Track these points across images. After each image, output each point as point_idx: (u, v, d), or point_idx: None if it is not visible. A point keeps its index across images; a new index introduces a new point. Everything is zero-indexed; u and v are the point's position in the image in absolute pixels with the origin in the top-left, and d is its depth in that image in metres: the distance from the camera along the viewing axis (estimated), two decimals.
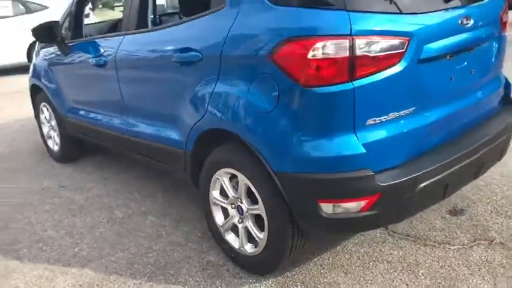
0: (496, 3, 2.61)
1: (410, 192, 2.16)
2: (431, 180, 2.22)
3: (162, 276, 2.66)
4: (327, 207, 2.14)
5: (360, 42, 1.96)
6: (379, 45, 2.00)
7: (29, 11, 9.90)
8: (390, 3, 2.07)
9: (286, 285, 2.50)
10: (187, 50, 2.57)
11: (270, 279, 2.54)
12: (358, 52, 1.97)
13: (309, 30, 2.01)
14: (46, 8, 9.89)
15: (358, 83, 2.00)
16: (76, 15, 3.89)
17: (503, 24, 2.69)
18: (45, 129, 4.75)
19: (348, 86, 1.99)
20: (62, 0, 11.05)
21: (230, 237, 2.67)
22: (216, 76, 2.43)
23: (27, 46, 9.63)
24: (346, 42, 1.95)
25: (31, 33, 3.81)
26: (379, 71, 2.03)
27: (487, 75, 2.62)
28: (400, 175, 2.14)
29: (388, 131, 2.13)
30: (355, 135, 2.07)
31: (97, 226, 3.31)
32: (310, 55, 1.98)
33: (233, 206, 2.60)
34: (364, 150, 2.06)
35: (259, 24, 2.20)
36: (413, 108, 2.19)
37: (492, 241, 2.75)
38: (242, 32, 2.29)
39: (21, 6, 10.00)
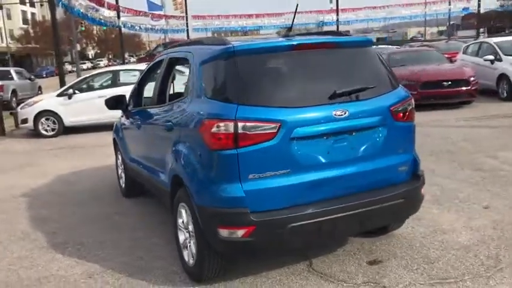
0: (386, 99, 3.48)
1: (281, 229, 3.12)
2: (301, 222, 3.16)
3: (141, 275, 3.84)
4: (222, 232, 3.18)
5: (240, 124, 3.07)
6: (255, 127, 3.08)
7: None
8: (270, 100, 3.18)
9: None
10: (168, 121, 3.91)
11: (202, 285, 3.58)
12: (240, 130, 3.07)
13: (214, 115, 3.18)
14: None
15: (240, 150, 3.09)
16: (138, 89, 5.46)
17: (399, 115, 3.53)
18: (119, 171, 6.36)
19: (234, 151, 3.09)
20: None
21: (185, 253, 3.78)
22: (178, 139, 3.69)
23: None
24: (232, 124, 3.07)
25: (104, 102, 5.44)
26: (256, 144, 3.10)
27: (377, 153, 3.45)
28: (271, 215, 3.13)
29: (266, 184, 3.15)
30: (240, 184, 3.12)
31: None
32: (213, 130, 3.14)
33: (186, 230, 3.72)
34: (244, 195, 3.11)
35: (197, 109, 3.44)
36: (289, 170, 3.18)
37: (378, 283, 3.47)
38: (190, 113, 3.54)
39: None
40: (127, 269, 3.95)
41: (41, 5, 71.81)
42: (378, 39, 63.40)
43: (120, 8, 25.31)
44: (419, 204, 3.76)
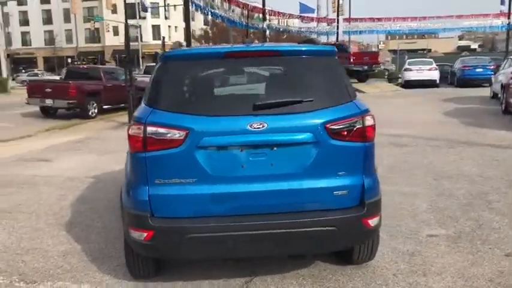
0: (323, 115, 3.14)
1: (179, 238, 3.08)
2: (201, 234, 3.07)
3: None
4: (133, 233, 3.25)
5: (149, 128, 3.10)
6: (162, 132, 3.08)
7: None
8: (183, 106, 3.14)
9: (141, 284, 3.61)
10: None
11: (133, 281, 3.67)
12: (148, 134, 3.10)
13: (135, 118, 3.27)
14: None
15: (148, 154, 3.12)
16: None
17: (340, 133, 3.16)
18: None
19: (143, 155, 3.14)
20: None
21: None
22: None
23: None
24: (142, 127, 3.12)
25: None
26: (163, 149, 3.10)
27: (304, 173, 3.15)
28: (170, 223, 3.10)
29: (170, 190, 3.13)
30: (148, 188, 3.15)
31: None
32: (130, 132, 3.22)
33: None
34: (147, 199, 3.13)
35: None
36: (195, 179, 3.10)
37: None
38: None
39: None
40: None
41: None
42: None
43: (266, 11, 26.28)
44: (362, 236, 3.32)
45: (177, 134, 3.08)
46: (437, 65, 26.64)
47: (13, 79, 38.90)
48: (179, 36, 72.30)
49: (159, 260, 3.58)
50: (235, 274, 3.70)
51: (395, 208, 5.28)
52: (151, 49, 51.78)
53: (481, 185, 6.09)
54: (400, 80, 28.00)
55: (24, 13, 72.84)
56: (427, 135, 10.13)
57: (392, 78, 30.80)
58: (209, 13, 21.62)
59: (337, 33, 33.14)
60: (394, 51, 52.44)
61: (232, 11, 24.19)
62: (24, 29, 73.50)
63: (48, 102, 15.85)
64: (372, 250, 3.68)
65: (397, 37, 77.28)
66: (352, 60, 25.02)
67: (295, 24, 38.44)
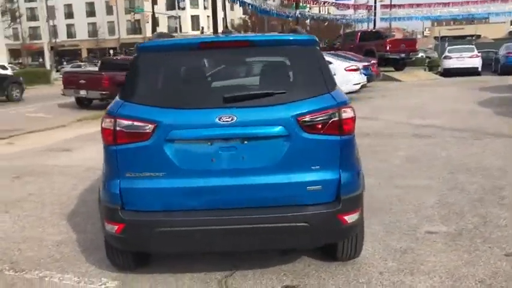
0: (295, 108, 3.03)
1: (148, 231, 3.06)
2: (170, 228, 3.04)
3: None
4: (107, 226, 3.26)
5: (119, 121, 3.08)
6: (130, 125, 3.06)
7: None
8: (153, 99, 3.10)
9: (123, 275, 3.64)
10: None
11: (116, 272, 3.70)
12: (118, 127, 3.09)
13: (107, 110, 3.24)
14: (331, 63, 12.25)
15: (118, 147, 3.11)
16: None
17: (314, 127, 3.04)
18: None
19: (114, 147, 3.13)
20: None
21: None
22: None
23: None
24: (112, 120, 3.11)
25: None
26: (132, 142, 3.07)
27: (276, 167, 3.05)
28: (140, 216, 3.08)
29: (140, 184, 3.10)
30: (119, 181, 3.15)
31: None
32: (103, 125, 3.22)
33: None
34: (118, 192, 3.12)
35: None
36: (165, 173, 3.07)
37: None
38: None
39: None
40: None
41: None
42: None
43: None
44: (339, 232, 3.20)
45: (145, 127, 3.05)
46: (480, 52, 25.51)
47: (57, 70, 40.16)
48: (218, 26, 72.62)
49: (139, 253, 3.58)
50: (218, 268, 3.66)
51: (401, 202, 5.11)
52: None
53: (498, 179, 5.78)
54: (439, 69, 27.05)
55: (68, 6, 75.16)
56: (455, 125, 9.73)
57: (433, 66, 29.77)
58: (237, 2, 21.47)
59: (374, 20, 32.31)
60: (441, 38, 50.52)
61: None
62: (69, 21, 75.86)
63: (82, 93, 16.25)
64: (355, 247, 3.55)
65: (444, 23, 74.42)
66: (388, 48, 24.28)
67: (336, 12, 37.69)
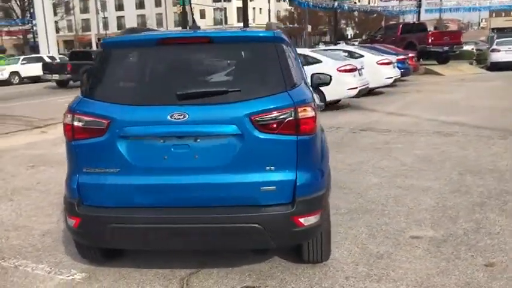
0: (248, 106, 2.95)
1: (102, 227, 3.09)
2: (123, 225, 3.06)
3: None
4: (68, 220, 3.31)
5: (76, 117, 3.12)
6: (86, 121, 3.09)
7: (307, 63, 12.26)
8: (109, 95, 3.11)
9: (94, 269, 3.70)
10: None
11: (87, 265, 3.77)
12: (75, 123, 3.13)
13: (69, 106, 3.28)
14: (320, 61, 12.02)
15: (75, 142, 3.16)
16: None
17: (268, 126, 2.95)
18: None
19: (72, 143, 3.17)
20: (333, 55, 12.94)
21: None
22: None
23: None
24: (71, 116, 3.15)
25: None
26: (88, 138, 3.10)
27: (228, 167, 2.99)
28: (94, 211, 3.12)
29: (96, 180, 3.13)
30: (77, 176, 3.19)
31: None
32: (64, 121, 3.26)
33: None
34: (75, 187, 3.16)
35: None
36: (118, 169, 3.08)
37: None
38: None
39: (303, 59, 12.48)
40: None
41: None
42: None
43: None
44: (294, 235, 3.10)
45: (100, 123, 3.06)
46: None
47: None
48: (264, 18, 72.40)
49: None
50: (185, 265, 3.65)
51: (396, 204, 4.92)
52: None
53: (508, 183, 5.45)
54: (487, 62, 25.80)
55: None
56: (483, 123, 9.26)
57: (481, 59, 28.41)
58: None
59: (419, 11, 31.16)
60: (498, 30, 47.84)
61: None
62: (119, 13, 77.94)
63: None
64: (322, 250, 3.44)
65: (503, 14, 70.68)
66: (430, 40, 23.37)
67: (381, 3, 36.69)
